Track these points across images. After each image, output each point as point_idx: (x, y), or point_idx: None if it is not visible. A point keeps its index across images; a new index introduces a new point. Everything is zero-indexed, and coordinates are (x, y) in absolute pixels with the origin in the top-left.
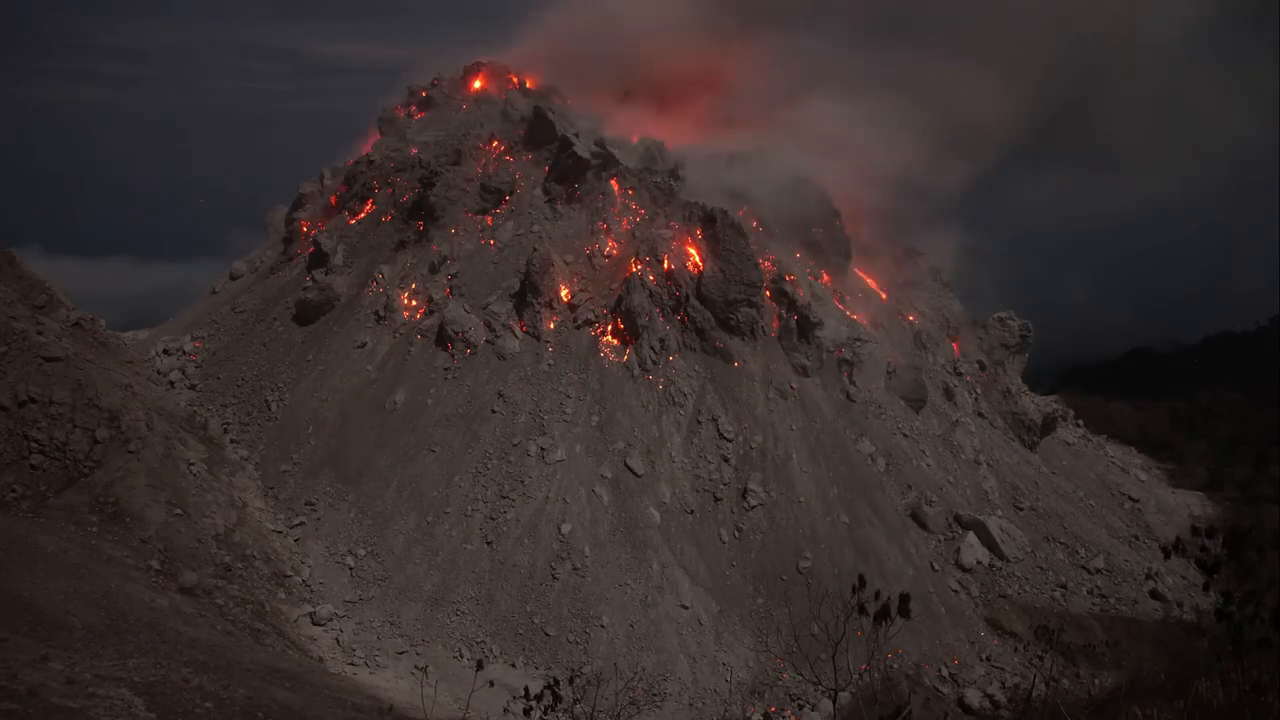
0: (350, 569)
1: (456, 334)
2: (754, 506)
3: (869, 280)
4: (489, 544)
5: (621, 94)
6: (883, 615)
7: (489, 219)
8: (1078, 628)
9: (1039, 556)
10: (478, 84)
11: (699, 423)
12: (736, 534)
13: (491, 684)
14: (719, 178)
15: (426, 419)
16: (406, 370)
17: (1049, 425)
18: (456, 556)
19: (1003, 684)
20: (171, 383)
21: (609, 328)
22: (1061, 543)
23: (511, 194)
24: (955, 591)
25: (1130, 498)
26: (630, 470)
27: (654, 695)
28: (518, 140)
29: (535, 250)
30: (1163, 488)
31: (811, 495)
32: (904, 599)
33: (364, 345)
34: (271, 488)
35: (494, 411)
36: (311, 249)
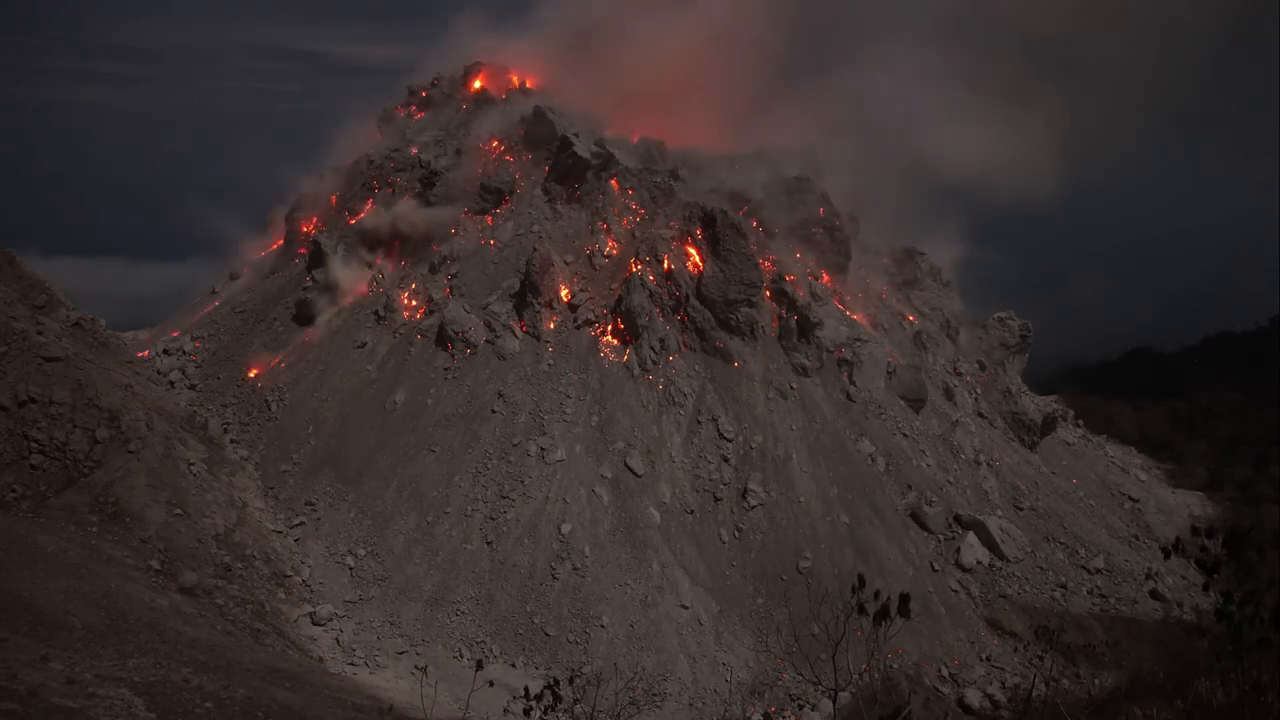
0: (350, 569)
1: (456, 334)
2: (754, 506)
3: (869, 280)
4: (489, 544)
5: (621, 94)
6: (883, 615)
7: (489, 219)
8: (1078, 628)
9: (1039, 556)
10: (478, 84)
11: (699, 423)
12: (736, 534)
13: (491, 684)
14: (719, 178)
15: (426, 419)
16: (406, 370)
17: (1049, 425)
18: (456, 556)
19: (1003, 684)
20: (171, 383)
21: (609, 328)
22: (1061, 543)
23: (511, 194)
24: (955, 591)
25: (1130, 498)
26: (630, 470)
27: (654, 695)
28: (518, 140)
29: (535, 250)
30: (1163, 488)
31: (811, 495)
32: (904, 599)
33: (364, 345)
34: (271, 488)
35: (494, 411)
36: (311, 249)
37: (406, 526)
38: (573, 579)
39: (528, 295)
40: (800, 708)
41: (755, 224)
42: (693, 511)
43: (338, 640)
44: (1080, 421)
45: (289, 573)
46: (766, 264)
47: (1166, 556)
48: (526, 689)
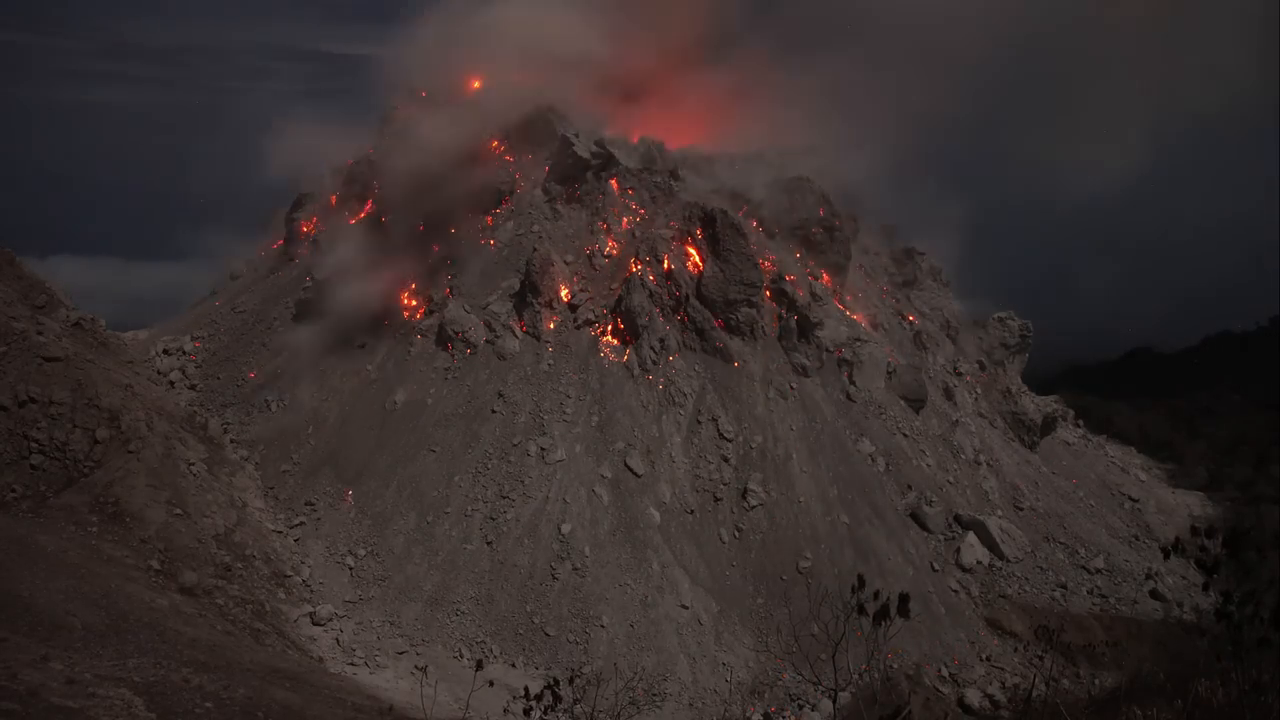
0: (350, 569)
1: (456, 334)
2: (754, 506)
3: (869, 280)
4: (489, 544)
5: (622, 94)
6: (883, 615)
7: (489, 219)
8: (1078, 628)
9: (1039, 556)
10: (477, 84)
11: (699, 423)
12: (736, 534)
13: (491, 684)
14: (719, 178)
15: (426, 419)
16: (406, 370)
17: (1049, 425)
18: (456, 556)
19: (1003, 684)
20: (171, 383)
21: (609, 328)
22: (1061, 543)
23: (511, 194)
24: (955, 591)
25: (1130, 498)
26: (630, 470)
27: (654, 695)
28: (518, 140)
29: (535, 250)
30: (1163, 488)
31: (811, 495)
32: (904, 599)
33: (364, 345)
34: (271, 488)
35: (494, 411)
36: (311, 249)
37: (406, 526)
38: (573, 579)
39: (528, 295)
40: (800, 708)
41: (755, 224)
42: (693, 511)
43: (338, 640)
44: (1080, 421)
45: (289, 573)
46: (766, 264)
47: (1166, 556)
48: (526, 689)
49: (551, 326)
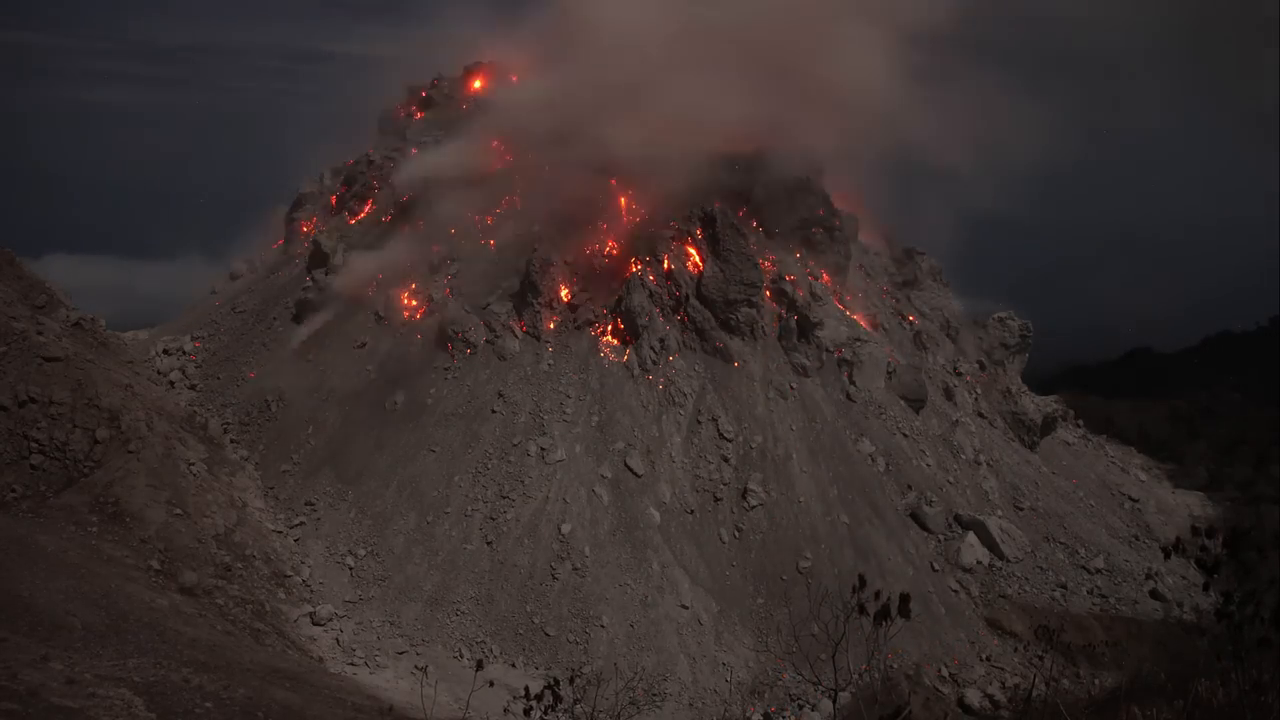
0: (350, 569)
1: (456, 334)
2: (754, 506)
3: (869, 280)
4: (489, 544)
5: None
6: (883, 615)
7: (489, 219)
8: (1078, 628)
9: (1039, 556)
10: (478, 84)
11: (699, 423)
12: (736, 534)
13: (491, 684)
14: (719, 178)
15: (426, 419)
16: (406, 370)
17: (1049, 425)
18: (456, 556)
19: (1003, 684)
20: (171, 383)
21: (609, 328)
22: (1061, 543)
23: (511, 194)
24: (955, 591)
25: (1130, 498)
26: (630, 470)
27: (654, 695)
28: (518, 140)
29: (535, 250)
30: (1163, 488)
31: (811, 495)
32: (904, 599)
33: (364, 345)
34: (271, 488)
35: (494, 411)
36: (311, 249)
37: (406, 526)
38: (573, 579)
39: (528, 295)
40: (800, 708)
41: (755, 224)
42: (693, 511)
43: (338, 640)
44: (1080, 421)
45: (289, 573)
46: (766, 264)
47: (1166, 556)
48: (526, 689)
49: (551, 326)
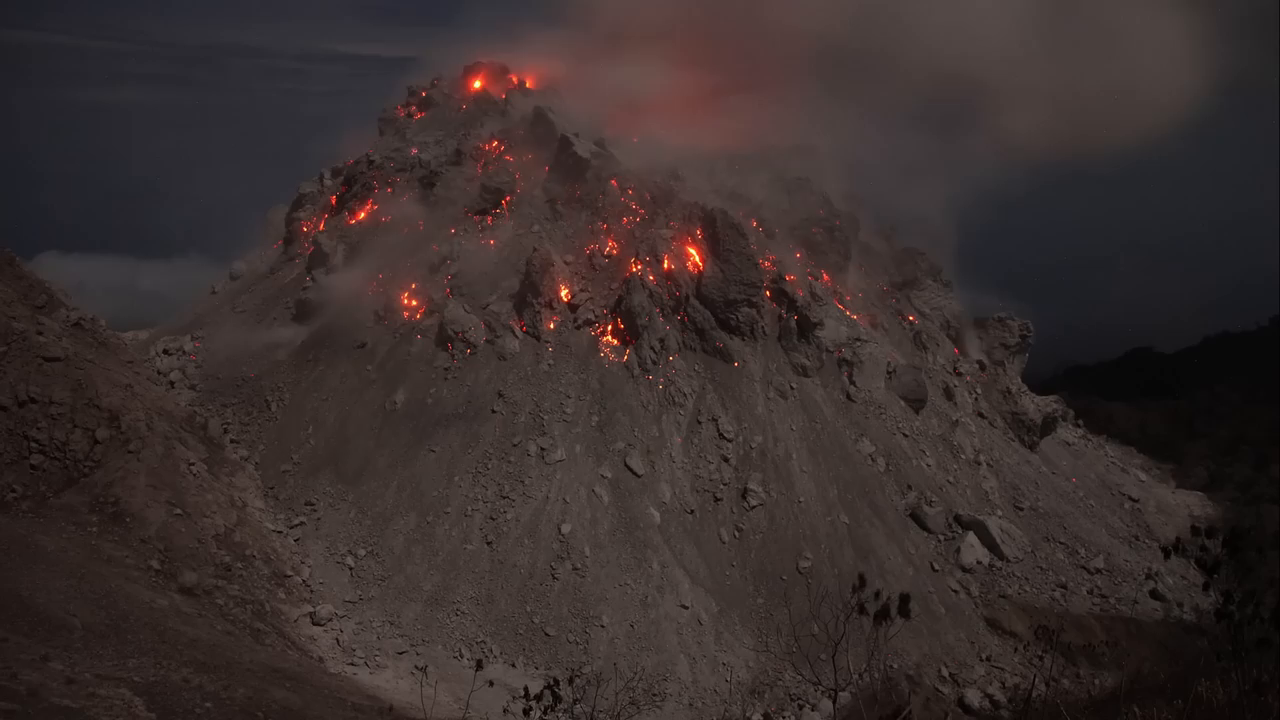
0: (350, 569)
1: (456, 334)
2: (754, 506)
3: (869, 280)
4: (489, 544)
5: (621, 94)
6: (883, 615)
7: (489, 219)
8: (1078, 628)
9: (1039, 556)
10: (478, 84)
11: (699, 423)
12: (736, 534)
13: (491, 684)
14: (719, 178)
15: (426, 419)
16: (406, 370)
17: (1049, 425)
18: (456, 556)
19: (1003, 684)
20: (171, 383)
21: (609, 328)
22: (1061, 543)
23: (511, 194)
24: (955, 591)
25: (1130, 498)
26: (630, 470)
27: (654, 695)
28: (518, 140)
29: (535, 250)
30: (1163, 488)
31: (811, 495)
32: (904, 599)
33: (364, 345)
34: (271, 488)
35: (494, 411)
36: (311, 249)
37: (406, 526)
38: (573, 579)
39: (528, 295)
40: (800, 708)
41: (755, 224)
42: (693, 511)
43: (338, 640)
44: (1080, 421)
45: (289, 573)
46: (766, 264)
47: (1166, 556)
48: (526, 689)
49: (551, 326)
